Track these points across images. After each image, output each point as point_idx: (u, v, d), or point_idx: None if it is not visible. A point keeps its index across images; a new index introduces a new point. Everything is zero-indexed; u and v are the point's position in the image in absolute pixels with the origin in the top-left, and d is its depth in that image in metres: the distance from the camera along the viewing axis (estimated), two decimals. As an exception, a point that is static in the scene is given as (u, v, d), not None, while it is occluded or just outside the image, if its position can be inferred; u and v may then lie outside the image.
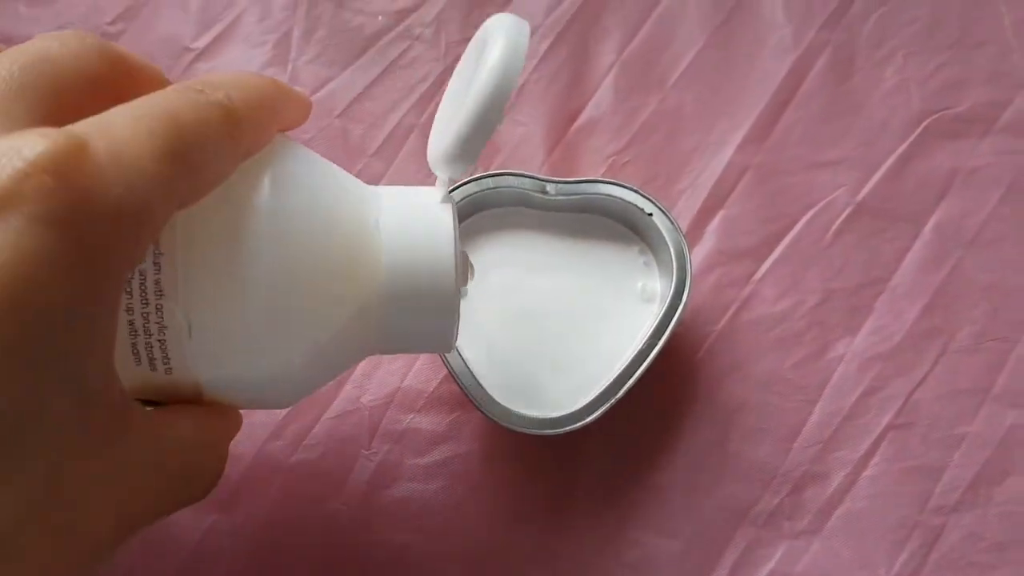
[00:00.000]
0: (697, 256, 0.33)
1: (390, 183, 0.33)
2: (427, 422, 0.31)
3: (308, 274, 0.20)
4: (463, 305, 0.23)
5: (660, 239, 0.31)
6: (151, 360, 0.19)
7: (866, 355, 0.32)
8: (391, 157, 0.34)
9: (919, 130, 0.34)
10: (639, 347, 0.30)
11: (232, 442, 0.31)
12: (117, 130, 0.16)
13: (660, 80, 0.35)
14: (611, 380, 0.29)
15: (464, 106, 0.21)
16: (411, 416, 0.31)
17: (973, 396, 0.32)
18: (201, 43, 0.34)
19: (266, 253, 0.19)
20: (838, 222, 0.33)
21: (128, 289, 0.18)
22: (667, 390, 0.32)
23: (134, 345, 0.19)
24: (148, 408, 0.19)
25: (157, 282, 0.18)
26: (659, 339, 0.30)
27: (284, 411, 0.31)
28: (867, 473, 0.31)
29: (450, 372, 0.29)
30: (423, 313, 0.22)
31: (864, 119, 0.34)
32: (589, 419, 0.29)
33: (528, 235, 0.32)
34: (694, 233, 0.33)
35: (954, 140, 0.34)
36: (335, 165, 0.22)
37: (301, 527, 0.30)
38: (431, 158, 0.24)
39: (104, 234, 0.15)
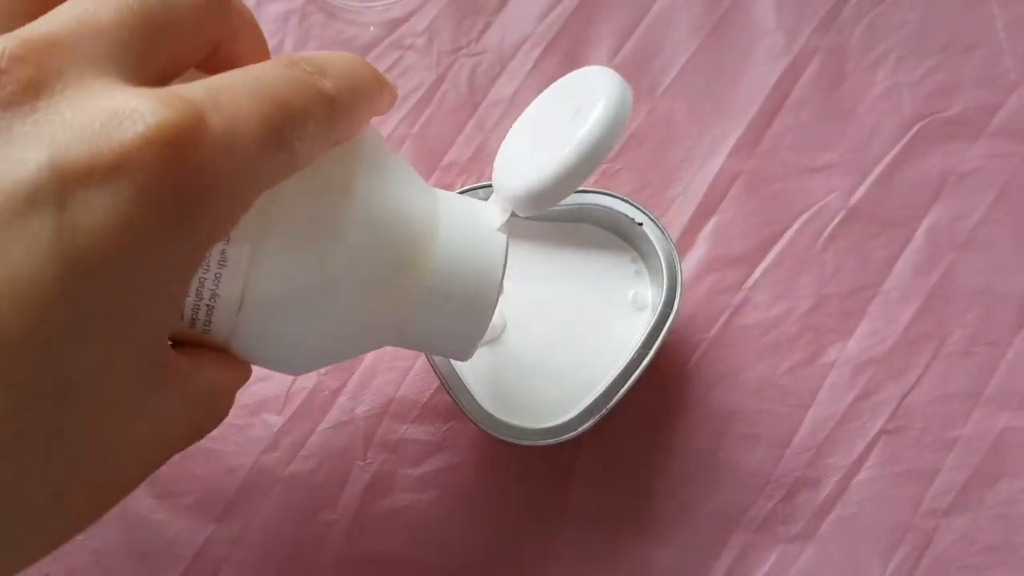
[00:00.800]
0: (689, 263, 0.33)
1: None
2: (421, 432, 0.31)
3: (375, 265, 0.20)
4: None
5: (651, 248, 0.31)
6: (193, 320, 0.19)
7: (859, 360, 0.32)
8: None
9: (911, 134, 0.34)
10: (631, 356, 0.30)
11: (229, 454, 0.31)
12: (232, 107, 0.16)
13: (651, 88, 0.35)
14: (603, 389, 0.29)
15: (558, 156, 0.21)
16: (405, 427, 0.31)
17: (965, 400, 0.32)
18: (193, 56, 0.34)
19: (348, 241, 0.19)
20: (830, 227, 0.33)
21: None
22: (660, 398, 0.32)
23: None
24: (181, 355, 0.19)
25: (223, 252, 0.18)
26: (650, 348, 0.30)
27: (280, 423, 0.31)
28: (860, 478, 0.31)
29: (443, 383, 0.29)
30: (454, 326, 0.23)
31: (855, 124, 0.34)
32: (581, 429, 0.29)
33: (520, 245, 0.32)
34: (686, 240, 0.33)
35: (946, 143, 0.34)
36: (405, 160, 0.23)
37: (297, 537, 0.30)
38: (502, 189, 0.23)
39: (203, 212, 0.15)
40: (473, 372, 0.30)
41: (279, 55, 0.34)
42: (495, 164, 0.25)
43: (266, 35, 0.34)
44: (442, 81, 0.35)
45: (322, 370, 0.32)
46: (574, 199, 0.31)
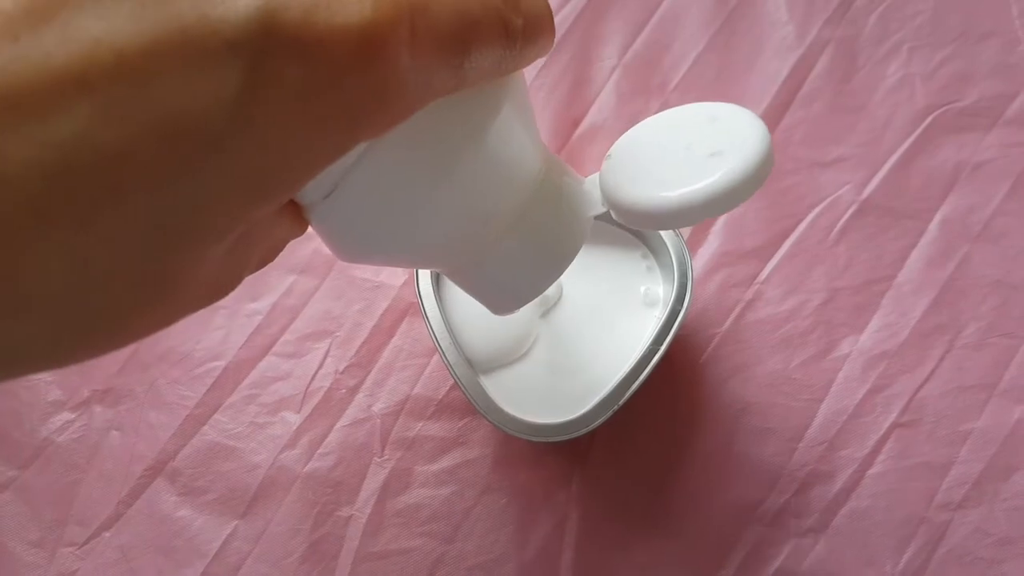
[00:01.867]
0: (702, 257, 0.33)
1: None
2: (437, 429, 0.32)
3: (476, 201, 0.20)
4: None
5: (662, 244, 0.31)
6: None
7: (872, 353, 0.32)
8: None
9: (924, 125, 0.34)
10: (643, 351, 0.30)
11: (250, 452, 0.32)
12: (436, 19, 0.15)
13: (662, 83, 0.35)
14: (616, 384, 0.30)
15: (683, 191, 0.21)
16: (421, 423, 0.32)
17: (979, 392, 0.32)
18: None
19: (463, 172, 0.19)
20: (843, 220, 0.33)
21: None
22: (673, 392, 0.32)
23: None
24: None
25: None
26: (662, 344, 0.30)
27: (299, 422, 0.32)
28: (873, 471, 0.31)
29: (457, 382, 0.30)
30: (511, 282, 0.23)
31: (868, 116, 0.34)
32: (595, 424, 0.29)
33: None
34: (698, 234, 0.34)
35: (959, 134, 0.34)
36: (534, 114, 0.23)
37: (317, 532, 0.31)
38: (608, 189, 0.23)
39: (377, 116, 0.15)
40: (487, 369, 0.30)
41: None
42: (608, 158, 0.24)
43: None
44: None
45: (339, 368, 0.33)
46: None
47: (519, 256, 0.22)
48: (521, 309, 0.31)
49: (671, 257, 0.30)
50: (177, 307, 0.16)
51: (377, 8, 0.14)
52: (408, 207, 0.19)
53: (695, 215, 0.20)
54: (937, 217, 0.33)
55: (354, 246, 0.21)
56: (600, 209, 0.23)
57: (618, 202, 0.22)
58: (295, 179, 0.15)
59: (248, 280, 0.19)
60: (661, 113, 0.25)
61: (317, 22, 0.13)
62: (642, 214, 0.21)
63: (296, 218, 0.19)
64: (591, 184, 0.23)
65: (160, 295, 0.15)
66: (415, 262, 0.23)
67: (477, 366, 0.30)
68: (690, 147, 0.22)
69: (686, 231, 0.33)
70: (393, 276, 0.33)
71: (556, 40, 0.35)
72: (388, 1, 0.14)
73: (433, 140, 0.18)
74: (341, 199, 0.19)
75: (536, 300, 0.31)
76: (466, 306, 0.31)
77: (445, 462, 0.32)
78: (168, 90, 0.12)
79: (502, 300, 0.24)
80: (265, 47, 0.13)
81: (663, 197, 0.21)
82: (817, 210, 0.34)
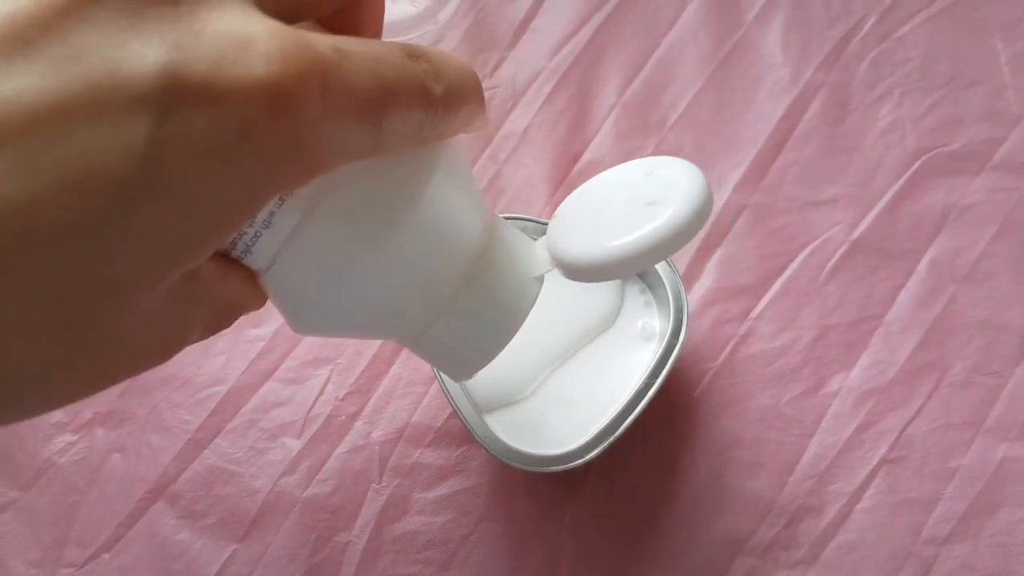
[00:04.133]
0: (696, 293, 0.34)
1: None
2: (435, 457, 0.33)
3: (416, 269, 0.20)
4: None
5: (659, 279, 0.32)
6: (232, 244, 0.19)
7: (861, 390, 0.33)
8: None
9: (914, 168, 0.35)
10: (639, 385, 0.31)
11: (250, 477, 0.32)
12: (351, 75, 0.15)
13: (659, 122, 0.36)
14: (612, 417, 0.30)
15: (624, 240, 0.21)
16: (419, 451, 0.33)
17: (966, 430, 0.32)
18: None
19: (400, 242, 0.19)
20: (834, 259, 0.34)
21: None
22: (666, 425, 0.33)
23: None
24: (211, 263, 0.19)
25: (271, 214, 0.18)
26: (657, 377, 0.31)
27: (298, 448, 0.32)
28: (861, 506, 0.32)
29: (455, 411, 0.30)
30: (468, 342, 0.23)
31: (859, 158, 0.35)
32: (590, 456, 0.30)
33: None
34: (693, 270, 0.34)
35: (948, 178, 0.35)
36: (475, 178, 0.23)
37: (315, 558, 0.31)
38: (556, 249, 0.23)
39: (288, 167, 0.15)
40: (485, 399, 0.31)
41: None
42: (553, 219, 0.25)
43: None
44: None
45: (339, 395, 0.33)
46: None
47: (467, 323, 0.22)
48: (531, 352, 0.32)
49: (667, 292, 0.31)
50: (109, 366, 0.16)
51: (286, 61, 0.14)
52: (349, 278, 0.19)
53: (640, 262, 0.21)
54: (926, 258, 0.34)
55: (301, 318, 0.21)
56: (547, 268, 0.23)
57: (564, 258, 0.23)
58: (211, 232, 0.15)
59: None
60: (602, 173, 0.25)
61: (224, 74, 0.13)
62: (588, 267, 0.22)
63: (247, 285, 0.19)
64: (539, 246, 0.24)
65: (83, 352, 0.15)
66: (364, 333, 0.23)
67: (480, 405, 0.31)
68: (630, 200, 0.23)
69: (681, 265, 0.34)
70: (394, 305, 0.34)
71: (557, 79, 0.36)
72: (298, 56, 0.14)
73: (368, 209, 0.19)
74: (281, 271, 0.19)
75: (541, 344, 0.32)
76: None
77: (442, 490, 0.32)
78: (78, 144, 0.13)
79: (456, 367, 0.24)
80: (172, 99, 0.13)
81: (606, 248, 0.22)
82: (809, 249, 0.34)
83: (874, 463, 0.32)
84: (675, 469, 0.32)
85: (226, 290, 0.19)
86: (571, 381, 0.32)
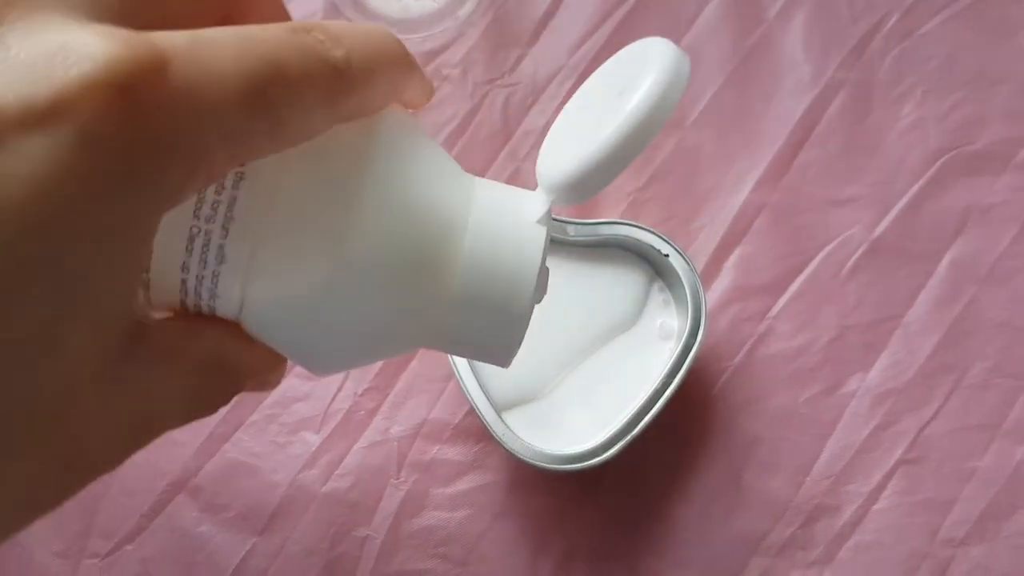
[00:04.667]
0: (714, 292, 0.34)
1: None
2: (453, 453, 0.33)
3: (391, 264, 0.18)
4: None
5: (677, 278, 0.32)
6: (192, 308, 0.18)
7: (879, 390, 0.33)
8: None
9: (936, 167, 0.35)
10: (657, 384, 0.31)
11: (270, 471, 0.33)
12: (209, 58, 0.14)
13: (679, 120, 0.36)
14: (630, 416, 0.31)
15: (601, 136, 0.19)
16: (437, 447, 0.33)
17: (984, 432, 0.32)
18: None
19: (357, 240, 0.17)
20: (853, 259, 0.34)
21: (189, 246, 0.17)
22: (684, 424, 0.33)
23: (182, 300, 0.18)
24: (173, 322, 0.18)
25: (221, 248, 0.17)
26: (675, 377, 0.31)
27: (318, 442, 0.33)
28: (878, 506, 0.32)
29: (473, 407, 0.30)
30: (488, 331, 0.20)
31: (881, 156, 0.35)
32: (607, 455, 0.30)
33: (549, 273, 0.33)
34: (712, 269, 0.34)
35: (970, 177, 0.35)
36: (439, 146, 0.21)
37: (334, 552, 0.32)
38: (544, 177, 0.21)
39: (155, 168, 0.13)
40: (502, 397, 0.31)
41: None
42: (540, 152, 0.23)
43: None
44: (476, 111, 0.36)
45: (358, 391, 0.33)
46: (603, 230, 0.32)
47: (478, 310, 0.20)
48: (549, 350, 0.32)
49: (686, 291, 0.31)
50: (63, 464, 0.15)
51: (110, 57, 0.13)
52: (324, 297, 0.18)
53: (622, 155, 0.19)
54: (946, 258, 0.34)
55: (310, 359, 0.20)
56: (544, 207, 0.21)
57: (555, 184, 0.21)
58: (110, 263, 0.14)
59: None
60: (577, 90, 0.24)
61: (43, 87, 0.12)
62: (578, 181, 0.20)
63: (231, 339, 0.18)
64: (532, 194, 0.21)
65: (24, 447, 0.14)
66: (381, 350, 0.21)
67: (498, 402, 0.31)
68: (604, 98, 0.21)
69: (700, 264, 0.34)
70: (413, 302, 0.34)
71: (577, 75, 0.36)
72: (126, 50, 0.13)
73: (314, 213, 0.17)
74: (256, 310, 0.18)
75: (559, 342, 0.32)
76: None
77: (460, 485, 0.33)
78: None
79: (492, 355, 0.21)
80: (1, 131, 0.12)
81: (587, 154, 0.20)
82: (829, 248, 0.34)
83: (891, 464, 0.32)
84: (692, 467, 0.33)
85: (198, 351, 0.17)
86: (589, 379, 0.32)
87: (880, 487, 0.32)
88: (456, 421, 0.33)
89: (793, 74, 0.36)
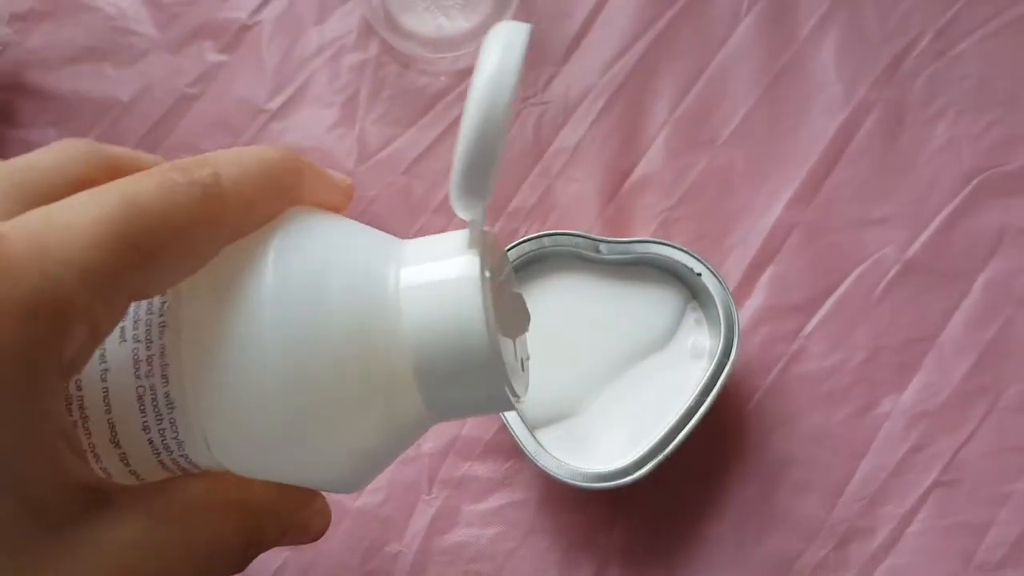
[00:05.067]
0: (747, 311, 0.34)
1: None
2: (484, 469, 0.33)
3: (323, 368, 0.17)
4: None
5: (709, 297, 0.32)
6: (179, 469, 0.18)
7: (913, 412, 0.33)
8: (452, 212, 0.35)
9: (970, 187, 0.35)
10: (689, 403, 0.31)
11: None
12: (58, 218, 0.15)
13: (711, 139, 0.36)
14: (662, 435, 0.30)
15: (460, 134, 0.18)
16: (469, 464, 0.33)
17: (1020, 455, 0.32)
18: (274, 104, 0.36)
19: (272, 355, 0.17)
20: (887, 279, 0.34)
21: (141, 406, 0.17)
22: (716, 443, 0.33)
23: (159, 460, 0.18)
24: (141, 483, 0.18)
25: (167, 395, 0.17)
26: (707, 396, 0.31)
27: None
28: (912, 529, 0.32)
29: (505, 424, 0.30)
30: (466, 387, 0.19)
31: (914, 177, 0.35)
32: (639, 473, 0.30)
33: (582, 291, 0.33)
34: (744, 288, 0.34)
35: (1005, 198, 0.35)
36: (355, 225, 0.20)
37: (365, 567, 0.32)
38: (452, 200, 0.19)
39: (18, 330, 0.14)
40: (535, 414, 0.31)
41: (354, 104, 0.36)
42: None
43: (343, 84, 0.37)
44: (509, 129, 0.36)
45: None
46: (635, 248, 0.32)
47: (434, 364, 0.18)
48: (582, 369, 0.31)
49: (718, 310, 0.31)
50: None
51: None
52: (267, 417, 0.17)
53: (481, 129, 0.17)
54: (980, 279, 0.34)
55: (315, 479, 0.19)
56: (466, 235, 0.19)
57: (453, 195, 0.18)
58: (18, 440, 0.14)
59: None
60: None
61: None
62: (459, 180, 0.18)
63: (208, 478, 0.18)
64: (457, 233, 0.19)
65: None
66: (383, 451, 0.19)
67: (530, 420, 0.31)
68: None
69: (732, 283, 0.34)
70: (445, 318, 0.34)
71: (609, 95, 0.36)
72: None
73: (226, 347, 0.17)
74: (222, 447, 0.17)
75: (592, 361, 0.32)
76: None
77: (491, 502, 0.33)
78: None
79: (492, 401, 0.19)
80: None
81: (458, 150, 0.18)
82: (862, 268, 0.34)
83: (926, 486, 0.32)
84: (724, 487, 0.32)
85: (174, 502, 0.17)
86: (622, 398, 0.32)
87: (914, 510, 0.32)
88: (488, 438, 0.33)
89: (825, 94, 0.36)
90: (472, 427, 0.33)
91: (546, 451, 0.30)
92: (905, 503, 0.32)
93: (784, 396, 0.33)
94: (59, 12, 0.37)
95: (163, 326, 0.17)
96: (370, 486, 0.33)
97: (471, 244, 0.19)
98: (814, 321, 0.34)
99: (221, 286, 0.17)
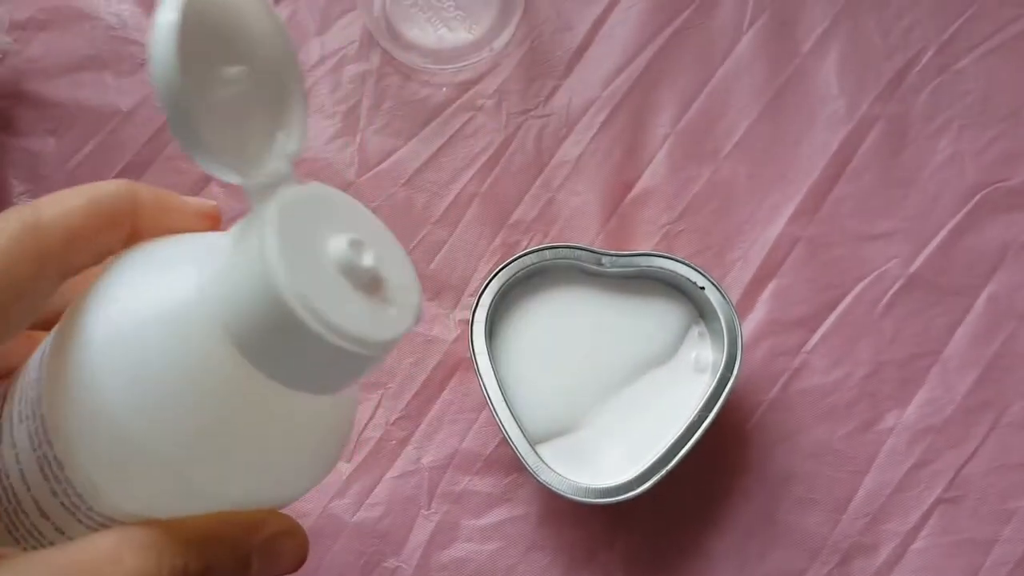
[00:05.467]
0: (749, 325, 0.34)
1: (452, 249, 0.35)
2: (484, 484, 0.33)
3: (170, 403, 0.17)
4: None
5: (712, 311, 0.31)
6: (102, 526, 0.18)
7: (916, 428, 0.33)
8: (453, 224, 0.35)
9: (972, 203, 0.35)
10: (691, 417, 0.31)
11: (300, 500, 0.32)
12: None
13: (713, 152, 0.36)
14: (664, 450, 0.30)
15: None
16: (469, 478, 0.33)
17: (1024, 471, 0.32)
18: (276, 114, 0.36)
19: (111, 401, 0.16)
20: (890, 294, 0.34)
21: (44, 475, 0.18)
22: (718, 458, 0.32)
23: (79, 520, 0.18)
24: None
25: (56, 457, 0.18)
26: (710, 411, 0.30)
27: (349, 471, 0.33)
28: (916, 546, 0.31)
29: (506, 438, 0.30)
30: (300, 351, 0.16)
31: (917, 191, 0.35)
32: (641, 488, 0.30)
33: (583, 304, 0.33)
34: (746, 302, 0.34)
35: (1007, 213, 0.35)
36: (187, 241, 0.19)
37: (363, 583, 0.32)
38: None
39: None
40: (535, 428, 0.31)
41: (355, 115, 0.36)
42: None
43: (344, 95, 0.36)
44: (510, 141, 0.36)
45: (390, 419, 0.33)
46: (637, 261, 0.32)
47: (257, 339, 0.16)
48: (584, 382, 0.31)
49: (721, 324, 0.31)
50: None
51: None
52: (123, 455, 0.17)
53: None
54: (984, 294, 0.34)
55: (220, 488, 0.18)
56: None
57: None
58: None
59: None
60: None
61: None
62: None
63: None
64: None
65: None
66: (292, 468, 0.19)
67: (531, 434, 0.31)
68: None
69: (734, 296, 0.34)
70: (445, 331, 0.34)
71: (611, 108, 0.36)
72: None
73: (54, 383, 0.17)
74: (111, 494, 0.18)
75: (594, 375, 0.32)
76: (520, 365, 0.32)
77: (491, 517, 0.32)
78: None
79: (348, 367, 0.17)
80: None
81: None
82: (864, 283, 0.34)
83: (929, 503, 0.32)
84: (727, 503, 0.32)
85: (88, 549, 0.17)
86: (623, 412, 0.32)
87: (918, 527, 0.32)
88: (488, 452, 0.33)
89: (827, 108, 0.36)
90: (472, 441, 0.33)
91: (547, 466, 0.30)
92: (909, 520, 0.32)
93: (787, 411, 0.33)
94: (59, 21, 0.37)
95: (40, 393, 0.18)
96: (368, 500, 0.32)
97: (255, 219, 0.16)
98: (817, 336, 0.34)
99: (60, 339, 0.18)
